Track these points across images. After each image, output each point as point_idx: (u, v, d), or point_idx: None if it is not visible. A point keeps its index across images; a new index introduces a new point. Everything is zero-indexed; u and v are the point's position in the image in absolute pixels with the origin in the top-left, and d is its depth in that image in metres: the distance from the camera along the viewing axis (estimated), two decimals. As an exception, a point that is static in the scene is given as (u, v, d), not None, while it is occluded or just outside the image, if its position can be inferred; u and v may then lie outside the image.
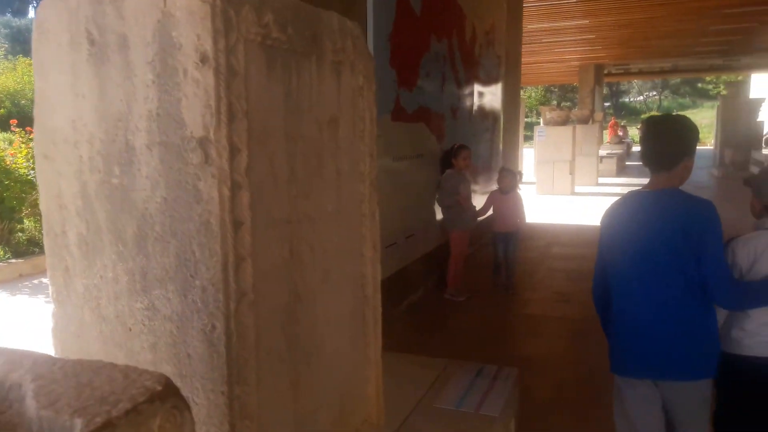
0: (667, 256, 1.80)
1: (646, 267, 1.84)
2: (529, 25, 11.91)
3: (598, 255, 2.01)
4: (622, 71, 24.31)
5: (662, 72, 25.32)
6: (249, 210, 1.22)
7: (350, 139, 1.69)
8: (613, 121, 23.31)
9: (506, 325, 4.17)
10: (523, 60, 17.45)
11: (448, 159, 4.67)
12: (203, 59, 1.13)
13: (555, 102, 41.18)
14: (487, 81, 6.03)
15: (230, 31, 1.15)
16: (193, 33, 1.12)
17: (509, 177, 4.85)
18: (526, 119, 36.15)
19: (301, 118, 1.44)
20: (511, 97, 7.55)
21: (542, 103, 37.07)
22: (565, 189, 12.03)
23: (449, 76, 4.75)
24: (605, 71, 22.26)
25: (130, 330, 1.30)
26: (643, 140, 1.90)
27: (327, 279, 1.59)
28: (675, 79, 39.63)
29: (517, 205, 4.88)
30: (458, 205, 4.56)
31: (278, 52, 1.33)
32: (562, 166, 12.24)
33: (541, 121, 15.27)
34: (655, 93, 46.02)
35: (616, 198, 1.99)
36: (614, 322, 1.96)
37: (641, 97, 46.90)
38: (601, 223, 2.00)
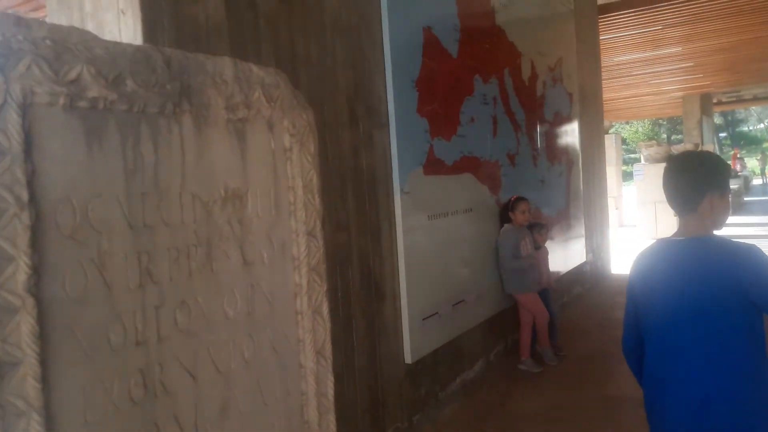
0: (719, 314, 1.53)
1: (691, 329, 1.57)
2: (615, 58, 11.13)
3: (627, 308, 1.82)
4: (734, 99, 22.25)
5: (781, 96, 22.90)
6: (36, 343, 0.85)
7: (270, 216, 1.29)
8: (736, 152, 21.20)
9: (579, 409, 3.48)
10: (619, 94, 16.48)
11: (505, 212, 4.15)
12: (-57, 136, 0.80)
13: (664, 136, 38.65)
14: (556, 121, 5.46)
15: (-11, 94, 0.82)
16: (-73, 101, 0.80)
17: (543, 231, 4.44)
18: (631, 155, 34.00)
19: (164, 199, 1.07)
20: (591, 136, 6.86)
21: (651, 138, 34.84)
22: (669, 232, 10.81)
23: (502, 120, 4.27)
24: (714, 100, 20.46)
25: None
26: (663, 182, 1.70)
27: (227, 411, 1.18)
28: (800, 102, 35.88)
29: (547, 261, 4.49)
30: (520, 266, 4.01)
31: (109, 117, 0.98)
32: (665, 206, 11.06)
33: (641, 157, 14.11)
34: (777, 119, 41.96)
35: (729, 239, 1.63)
36: (654, 394, 1.69)
37: (762, 125, 42.85)
38: (629, 275, 1.81)
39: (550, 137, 5.30)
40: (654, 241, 1.80)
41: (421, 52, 3.28)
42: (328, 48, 2.65)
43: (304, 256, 1.35)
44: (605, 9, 7.58)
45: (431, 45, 3.37)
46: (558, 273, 5.45)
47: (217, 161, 1.17)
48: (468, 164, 3.78)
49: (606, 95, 16.16)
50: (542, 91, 5.11)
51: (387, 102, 3.03)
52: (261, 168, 1.27)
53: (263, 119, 1.28)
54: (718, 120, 32.13)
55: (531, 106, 4.84)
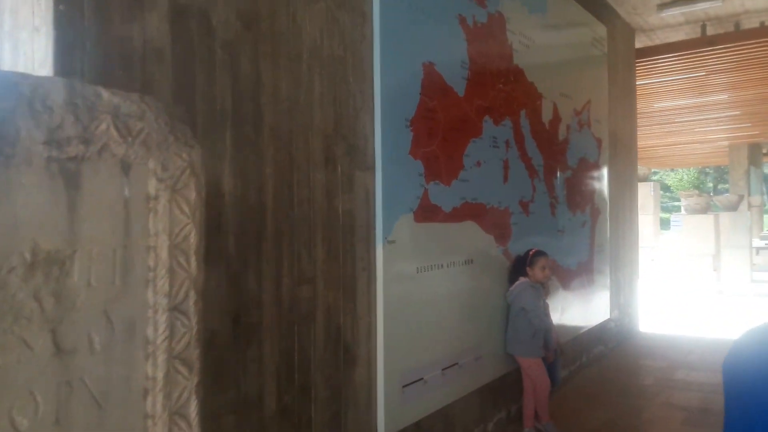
0: None
1: None
2: (656, 104, 10.66)
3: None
4: (784, 150, 21.28)
5: (837, 149, 21.76)
6: None
7: (111, 286, 0.99)
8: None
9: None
10: (660, 141, 15.86)
11: (521, 266, 3.76)
12: None
13: (710, 185, 37.37)
14: (581, 167, 5.07)
15: None
16: None
17: (546, 284, 3.89)
18: (675, 203, 32.67)
19: None
20: (622, 185, 6.42)
21: (696, 186, 33.67)
22: (707, 288, 10.11)
23: (516, 165, 3.92)
24: (764, 150, 19.56)
25: None
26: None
27: None
28: None
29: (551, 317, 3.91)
30: (531, 326, 3.61)
31: None
32: (703, 260, 10.38)
33: (681, 207, 13.41)
34: (833, 173, 39.99)
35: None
36: None
37: (816, 178, 40.87)
38: (723, 369, 1.27)
39: (573, 184, 4.91)
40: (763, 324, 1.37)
41: (419, 89, 2.99)
42: (303, 80, 2.38)
43: (163, 339, 1.04)
44: (644, 53, 7.21)
45: (432, 81, 3.08)
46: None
47: (24, 214, 0.88)
48: (471, 211, 3.43)
49: (647, 142, 15.61)
50: (565, 135, 4.75)
51: (374, 142, 2.73)
52: (102, 222, 0.97)
53: (114, 159, 0.99)
54: (768, 171, 30.77)
55: (551, 151, 4.48)
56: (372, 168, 2.73)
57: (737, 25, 6.88)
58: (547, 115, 4.42)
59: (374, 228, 2.73)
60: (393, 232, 2.79)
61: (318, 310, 2.42)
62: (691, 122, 13.00)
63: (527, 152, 4.10)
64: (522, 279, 3.73)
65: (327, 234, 2.48)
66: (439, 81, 3.15)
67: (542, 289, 3.76)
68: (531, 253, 3.75)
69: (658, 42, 7.19)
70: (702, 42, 6.80)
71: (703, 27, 6.71)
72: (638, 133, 13.07)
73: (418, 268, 2.97)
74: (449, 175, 3.24)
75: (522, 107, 4.03)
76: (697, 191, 12.62)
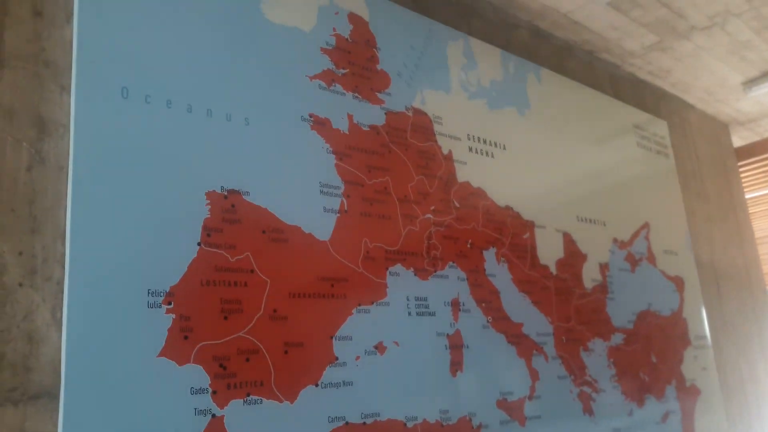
0: None
1: None
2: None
3: None
4: None
5: None
6: None
7: None
8: None
9: None
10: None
11: None
12: None
13: None
14: (644, 325, 3.25)
15: None
16: None
17: None
18: None
19: None
20: (742, 339, 4.30)
21: None
22: None
23: (482, 339, 2.34)
24: None
25: None
26: None
27: None
28: None
29: None
30: None
31: None
32: None
33: None
34: None
35: None
36: None
37: None
38: None
39: (629, 356, 3.10)
40: None
41: (198, 237, 1.72)
42: None
43: None
44: (751, 151, 5.35)
45: (236, 221, 1.81)
46: None
47: None
48: (358, 442, 1.89)
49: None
50: (600, 280, 3.08)
51: (57, 345, 1.45)
52: None
53: None
54: None
55: (569, 308, 2.83)
56: (49, 395, 1.42)
57: None
58: (550, 253, 2.84)
59: None
60: None
61: None
62: None
63: (508, 315, 2.52)
64: None
65: None
66: (261, 218, 1.86)
67: None
68: None
69: None
70: (834, 127, 4.84)
71: (829, 107, 4.79)
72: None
73: None
74: (295, 381, 1.80)
75: (487, 245, 2.54)
76: None
